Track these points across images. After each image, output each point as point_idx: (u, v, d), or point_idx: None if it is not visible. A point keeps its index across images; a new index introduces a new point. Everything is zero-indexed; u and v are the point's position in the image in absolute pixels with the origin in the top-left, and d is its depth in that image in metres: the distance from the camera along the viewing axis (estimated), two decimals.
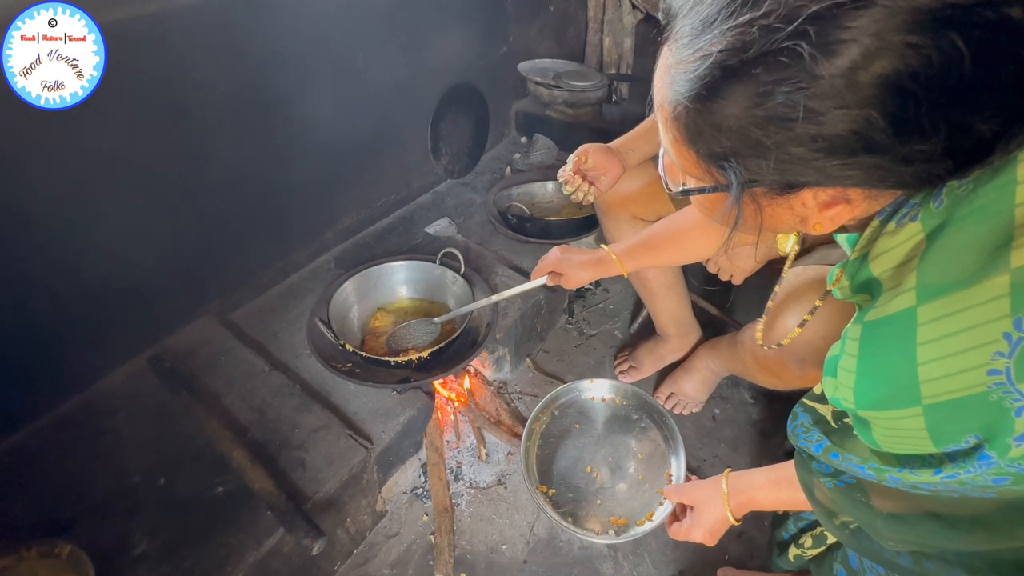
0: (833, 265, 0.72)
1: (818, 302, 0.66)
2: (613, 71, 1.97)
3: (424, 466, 1.17)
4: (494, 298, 1.05)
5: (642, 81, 1.76)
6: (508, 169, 1.77)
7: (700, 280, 1.45)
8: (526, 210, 1.51)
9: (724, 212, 0.46)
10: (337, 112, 1.25)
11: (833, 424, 0.60)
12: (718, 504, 0.75)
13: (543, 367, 1.43)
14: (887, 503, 0.52)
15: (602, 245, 1.00)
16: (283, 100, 1.11)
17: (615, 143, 1.10)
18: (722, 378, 1.27)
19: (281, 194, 1.17)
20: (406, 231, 1.50)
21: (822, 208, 0.45)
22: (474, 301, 1.18)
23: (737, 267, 1.07)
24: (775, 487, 0.70)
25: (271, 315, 1.23)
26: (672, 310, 1.27)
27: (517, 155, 1.86)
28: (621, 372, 1.37)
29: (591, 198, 1.10)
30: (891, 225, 0.45)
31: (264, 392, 1.05)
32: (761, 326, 0.83)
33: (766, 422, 1.26)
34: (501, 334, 1.23)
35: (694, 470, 1.19)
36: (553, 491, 1.08)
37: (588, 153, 1.07)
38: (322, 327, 1.09)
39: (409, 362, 1.07)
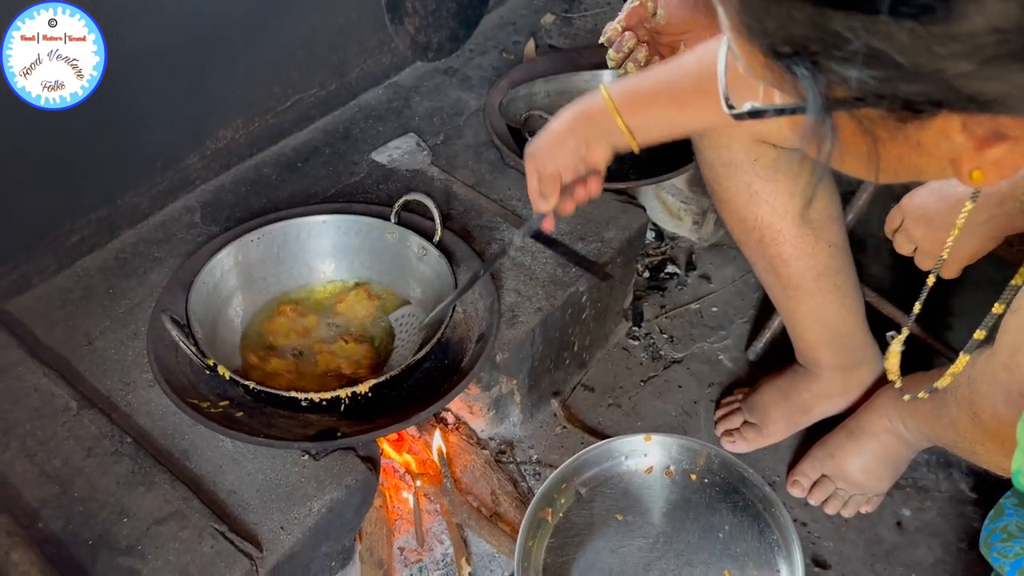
0: None
1: None
2: None
3: None
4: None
5: None
6: (530, 45, 1.78)
7: (883, 268, 1.45)
8: None
9: (809, 143, 0.53)
10: None
11: None
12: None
13: (583, 417, 1.45)
14: None
15: (601, 86, 1.03)
16: None
17: None
18: (918, 452, 1.29)
19: (103, 85, 1.18)
20: (337, 157, 1.53)
21: (980, 145, 0.51)
22: (457, 286, 1.21)
23: (948, 246, 1.07)
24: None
25: (83, 307, 1.26)
26: (829, 319, 1.28)
27: (549, 17, 1.87)
28: (727, 433, 1.40)
29: None
30: None
31: (69, 448, 1.08)
32: (990, 356, 0.84)
33: None
34: (505, 354, 1.25)
35: None
36: None
37: None
38: (176, 334, 1.11)
39: (336, 401, 1.09)
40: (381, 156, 1.52)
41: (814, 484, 1.32)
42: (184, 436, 1.10)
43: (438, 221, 1.27)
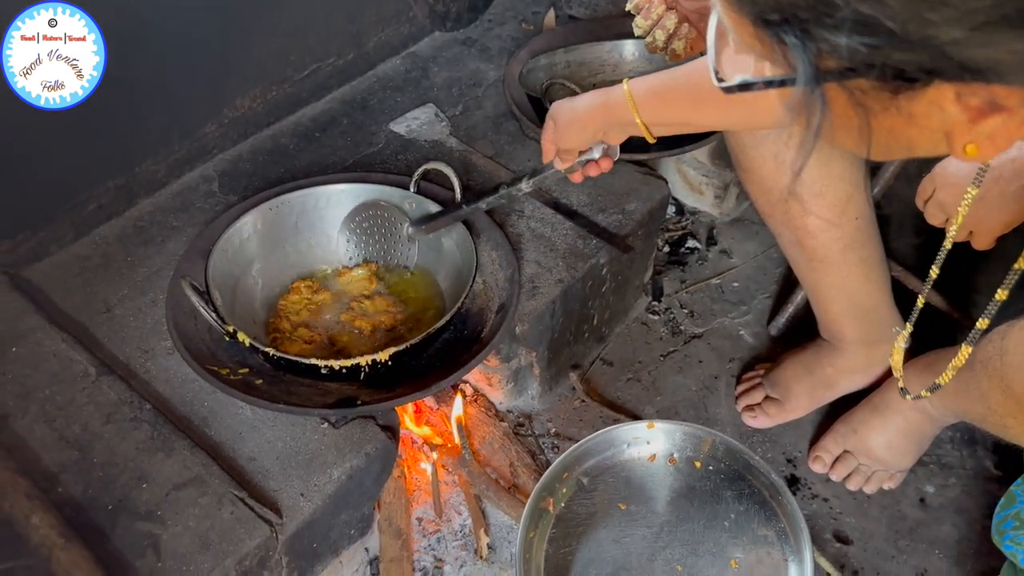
0: None
1: None
2: None
3: (375, 562, 1.20)
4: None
5: None
6: (550, 15, 1.77)
7: (909, 243, 1.44)
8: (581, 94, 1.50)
9: (796, 115, 0.53)
10: None
11: None
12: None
13: (602, 392, 1.45)
14: None
15: (624, 80, 1.03)
16: None
17: None
18: (942, 428, 1.28)
19: (119, 53, 1.18)
20: (355, 127, 1.52)
21: (974, 117, 0.50)
22: (476, 258, 1.20)
23: (978, 215, 1.06)
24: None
25: (101, 274, 1.26)
26: (854, 292, 1.27)
27: None
28: (748, 408, 1.39)
29: (681, 48, 1.09)
30: None
31: (88, 413, 1.08)
32: (1023, 327, 0.83)
33: None
34: (524, 326, 1.25)
35: None
36: None
37: None
38: (195, 299, 1.11)
39: (356, 369, 1.09)
40: (399, 127, 1.51)
41: (836, 459, 1.31)
42: (203, 403, 1.11)
43: (458, 191, 1.26)
